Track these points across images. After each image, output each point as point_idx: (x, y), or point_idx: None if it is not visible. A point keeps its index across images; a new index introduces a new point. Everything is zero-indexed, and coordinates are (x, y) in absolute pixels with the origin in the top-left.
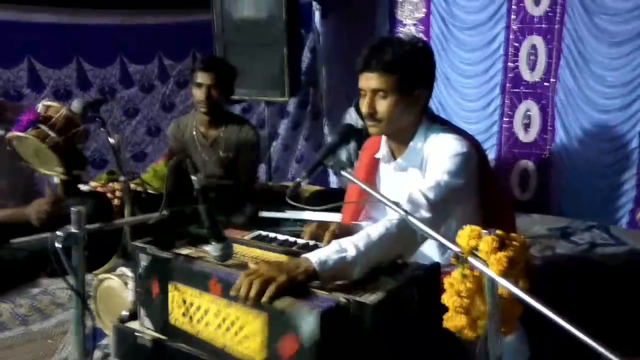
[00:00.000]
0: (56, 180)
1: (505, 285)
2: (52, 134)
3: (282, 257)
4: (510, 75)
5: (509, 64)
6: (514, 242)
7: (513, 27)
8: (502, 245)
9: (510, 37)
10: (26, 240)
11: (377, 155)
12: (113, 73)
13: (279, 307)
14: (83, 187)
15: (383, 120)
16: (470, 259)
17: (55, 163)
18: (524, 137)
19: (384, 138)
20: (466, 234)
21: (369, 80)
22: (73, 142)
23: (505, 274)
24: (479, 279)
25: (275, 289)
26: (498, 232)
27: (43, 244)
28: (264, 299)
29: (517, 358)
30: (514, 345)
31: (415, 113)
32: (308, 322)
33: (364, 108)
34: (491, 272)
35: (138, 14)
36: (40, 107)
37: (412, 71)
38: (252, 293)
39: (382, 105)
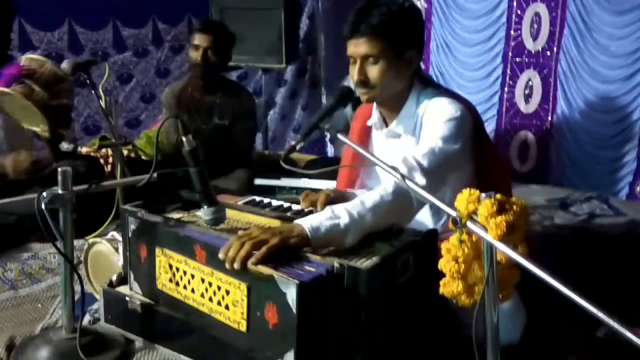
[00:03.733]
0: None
1: (505, 250)
2: (37, 89)
3: (276, 223)
4: (512, 44)
5: (512, 32)
6: (514, 207)
7: None
8: (501, 210)
9: (514, 4)
10: (11, 201)
11: (368, 123)
12: (106, 37)
13: (259, 276)
14: (64, 146)
15: (376, 86)
16: (469, 224)
17: (39, 119)
18: (525, 107)
19: (375, 104)
20: (465, 198)
21: (358, 47)
22: (59, 98)
23: (504, 239)
24: (477, 244)
25: (266, 250)
26: (498, 196)
27: (34, 207)
28: (253, 260)
29: (514, 325)
30: (510, 312)
31: (407, 77)
32: (287, 294)
33: (355, 75)
34: (490, 237)
35: None
36: (23, 60)
37: (402, 33)
38: (242, 254)
39: (374, 71)
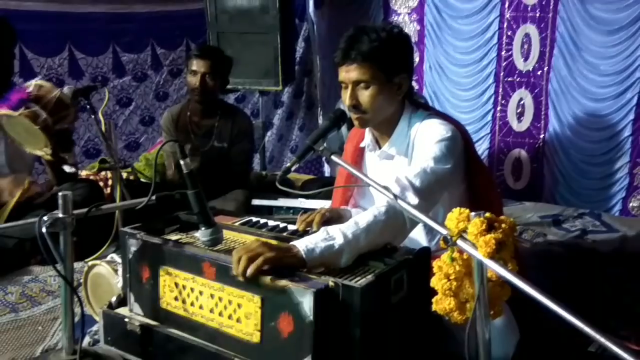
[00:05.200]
0: (42, 159)
1: (494, 267)
2: (43, 113)
3: (273, 243)
4: (503, 64)
5: (503, 52)
6: (503, 225)
7: (507, 15)
8: (490, 228)
9: (504, 25)
10: (12, 226)
11: (362, 144)
12: (105, 62)
13: (273, 287)
14: (67, 169)
15: (367, 111)
16: (459, 242)
17: (43, 142)
18: (517, 126)
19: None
20: (455, 217)
21: (349, 73)
22: (62, 123)
23: (493, 257)
24: (468, 262)
25: (262, 262)
26: (487, 214)
27: (34, 231)
28: (250, 271)
29: (506, 342)
30: (502, 328)
31: (398, 100)
32: (302, 302)
33: (347, 100)
34: (479, 255)
35: (130, 1)
36: (32, 86)
37: (391, 59)
38: (241, 269)
39: (365, 96)
